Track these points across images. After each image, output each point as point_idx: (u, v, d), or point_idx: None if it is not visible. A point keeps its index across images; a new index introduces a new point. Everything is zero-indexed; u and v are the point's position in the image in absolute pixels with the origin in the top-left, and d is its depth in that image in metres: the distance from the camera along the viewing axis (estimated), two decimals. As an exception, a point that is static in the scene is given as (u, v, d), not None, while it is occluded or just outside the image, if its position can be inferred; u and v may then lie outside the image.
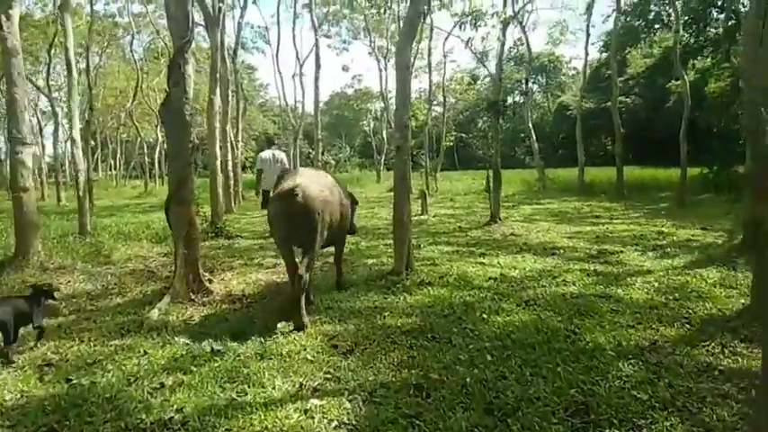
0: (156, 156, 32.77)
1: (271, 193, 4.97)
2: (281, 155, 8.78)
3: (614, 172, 15.75)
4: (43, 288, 3.88)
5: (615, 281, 5.35)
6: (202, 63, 24.29)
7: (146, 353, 3.63)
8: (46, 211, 13.56)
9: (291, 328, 4.03)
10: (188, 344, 3.74)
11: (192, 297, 4.95)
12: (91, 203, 9.14)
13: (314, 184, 4.31)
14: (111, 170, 43.11)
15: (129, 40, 25.73)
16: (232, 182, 14.03)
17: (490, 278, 5.52)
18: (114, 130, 39.75)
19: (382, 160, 33.18)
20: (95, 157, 45.05)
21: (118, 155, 42.50)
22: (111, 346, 3.83)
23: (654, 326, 3.99)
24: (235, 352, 3.58)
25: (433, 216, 11.97)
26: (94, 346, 3.85)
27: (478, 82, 55.81)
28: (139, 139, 30.63)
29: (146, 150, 30.87)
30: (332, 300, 4.84)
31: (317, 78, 14.49)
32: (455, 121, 50.01)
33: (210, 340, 3.77)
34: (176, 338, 3.86)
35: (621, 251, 6.95)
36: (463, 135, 44.17)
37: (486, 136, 60.48)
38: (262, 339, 3.81)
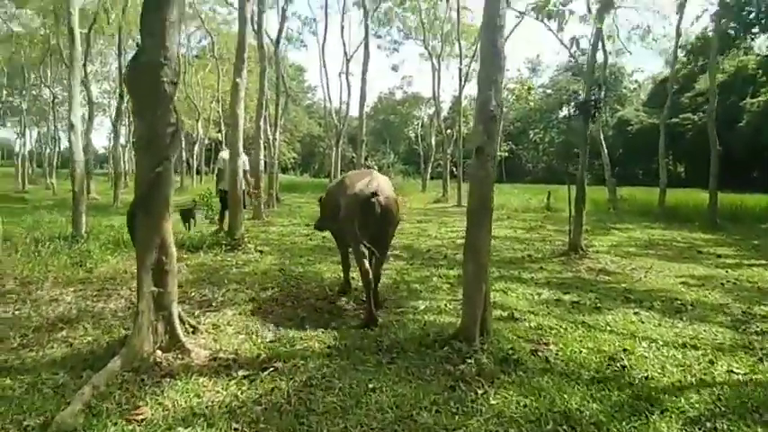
0: (196, 151, 31.97)
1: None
2: (244, 156, 8.63)
3: (690, 195, 13.31)
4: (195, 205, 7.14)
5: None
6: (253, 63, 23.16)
7: None
8: (61, 204, 12.41)
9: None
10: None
11: (158, 360, 3.25)
12: (86, 198, 7.60)
13: (387, 185, 4.61)
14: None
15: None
16: (264, 184, 12.47)
17: (609, 359, 3.58)
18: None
19: (428, 169, 31.23)
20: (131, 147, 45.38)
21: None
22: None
23: None
24: None
25: (493, 238, 10.00)
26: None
27: (532, 92, 53.00)
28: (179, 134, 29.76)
29: (184, 145, 30.03)
30: (365, 396, 3.02)
31: (364, 73, 12.84)
32: (505, 131, 47.64)
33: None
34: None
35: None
36: (514, 146, 41.85)
37: (537, 148, 58.06)
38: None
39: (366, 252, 4.30)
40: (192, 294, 5.08)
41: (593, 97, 7.80)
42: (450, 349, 3.56)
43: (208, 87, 32.58)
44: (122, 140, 32.31)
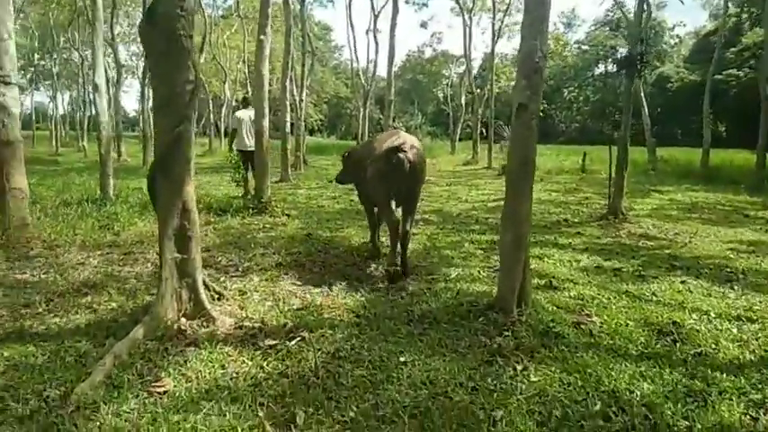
0: (224, 113, 31.88)
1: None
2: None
3: (734, 155, 12.54)
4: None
5: None
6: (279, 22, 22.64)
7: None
8: (92, 167, 12.49)
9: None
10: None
11: (183, 328, 3.15)
12: (115, 160, 7.54)
13: (415, 141, 4.58)
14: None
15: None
16: (290, 146, 12.29)
17: (658, 333, 3.32)
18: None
19: (458, 130, 30.49)
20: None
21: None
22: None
23: None
24: None
25: (526, 201, 9.65)
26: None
27: (567, 47, 50.83)
28: (206, 96, 29.77)
29: (211, 108, 30.00)
30: (396, 362, 2.86)
31: (392, 28, 12.28)
32: (538, 90, 45.99)
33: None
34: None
35: None
36: (546, 105, 40.46)
37: (571, 107, 56.03)
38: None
39: (390, 208, 4.37)
40: (219, 259, 4.99)
41: (638, 52, 7.25)
42: (485, 320, 3.36)
43: (234, 48, 32.18)
44: (151, 103, 32.53)
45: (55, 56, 28.55)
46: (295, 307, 3.69)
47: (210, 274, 4.45)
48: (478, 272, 4.66)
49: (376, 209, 5.05)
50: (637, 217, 7.94)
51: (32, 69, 34.53)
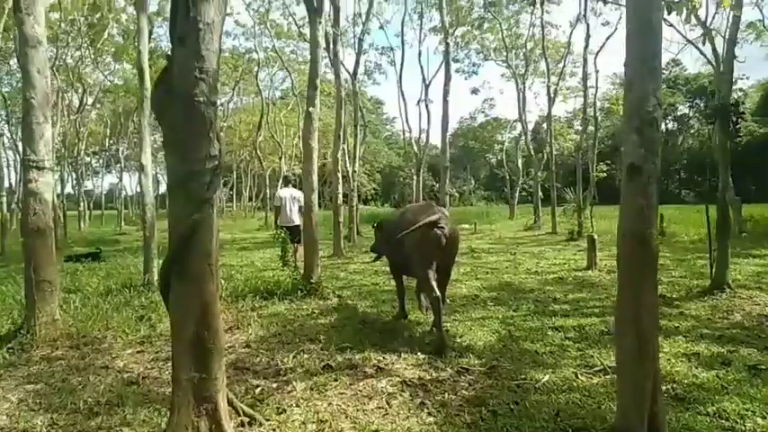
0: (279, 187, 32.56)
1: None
2: (298, 193, 9.15)
3: None
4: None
5: None
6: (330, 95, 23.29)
7: None
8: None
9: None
10: None
11: (199, 471, 2.40)
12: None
13: (447, 215, 4.79)
14: (245, 202, 44.61)
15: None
16: (342, 218, 11.80)
17: None
18: (248, 163, 41.06)
19: (515, 195, 29.50)
20: (230, 188, 47.46)
21: (249, 186, 43.86)
22: None
23: None
24: None
25: (606, 271, 8.53)
26: None
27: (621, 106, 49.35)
28: (263, 171, 30.58)
29: (268, 183, 30.66)
30: None
31: (446, 94, 11.93)
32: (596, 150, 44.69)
33: None
34: None
35: None
36: (609, 165, 38.95)
37: (632, 167, 53.70)
38: None
39: (430, 276, 4.43)
40: (259, 358, 4.27)
41: (732, 101, 6.34)
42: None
43: (291, 126, 33.31)
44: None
45: (123, 139, 30.36)
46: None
47: (246, 380, 3.75)
48: (576, 376, 3.69)
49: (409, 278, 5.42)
50: (745, 289, 6.69)
51: (105, 153, 36.98)
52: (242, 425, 2.84)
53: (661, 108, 2.51)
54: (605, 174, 23.42)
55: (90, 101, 28.72)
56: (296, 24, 21.81)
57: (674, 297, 6.42)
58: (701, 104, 53.29)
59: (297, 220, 9.07)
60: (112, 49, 24.18)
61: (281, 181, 21.56)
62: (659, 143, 2.52)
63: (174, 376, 2.53)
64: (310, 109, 6.92)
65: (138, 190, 7.75)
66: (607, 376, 3.68)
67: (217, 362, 2.60)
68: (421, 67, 20.90)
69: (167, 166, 2.57)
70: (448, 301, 5.73)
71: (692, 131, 55.56)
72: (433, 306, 4.41)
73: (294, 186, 10.17)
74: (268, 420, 3.00)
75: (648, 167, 2.47)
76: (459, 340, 4.68)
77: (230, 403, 2.79)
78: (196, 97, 2.45)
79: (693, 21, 7.24)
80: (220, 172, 2.58)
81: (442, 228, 4.44)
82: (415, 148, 23.21)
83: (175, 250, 2.49)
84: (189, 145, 2.50)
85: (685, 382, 3.56)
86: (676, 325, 5.12)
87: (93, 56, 23.77)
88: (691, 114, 56.23)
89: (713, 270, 6.63)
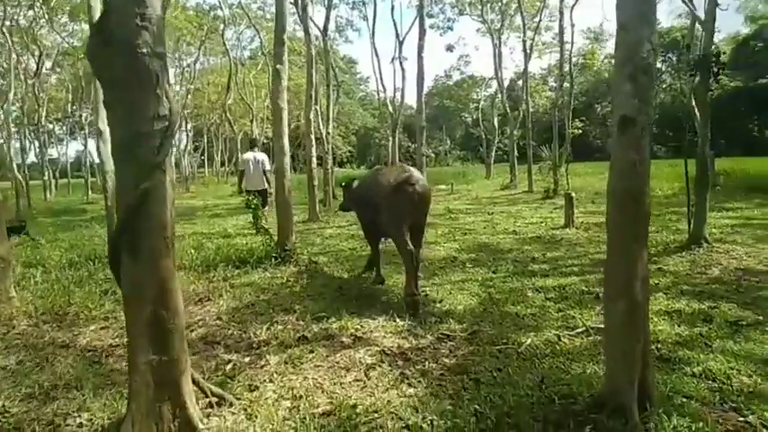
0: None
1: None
2: (262, 156, 9.34)
3: None
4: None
5: None
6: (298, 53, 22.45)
7: None
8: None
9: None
10: None
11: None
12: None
13: (420, 175, 4.77)
14: (217, 167, 43.54)
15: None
16: (317, 182, 11.49)
17: None
18: (218, 126, 39.88)
19: (492, 154, 29.36)
20: (201, 153, 46.16)
21: (221, 151, 42.75)
22: None
23: None
24: None
25: (583, 228, 8.51)
26: None
27: (596, 56, 49.24)
28: (234, 134, 29.75)
29: (239, 146, 29.89)
30: None
31: (420, 50, 11.49)
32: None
33: None
34: None
35: None
36: (584, 121, 39.08)
37: (605, 123, 54.15)
38: None
39: (403, 234, 4.44)
40: (230, 331, 4.07)
41: (714, 52, 6.17)
42: (594, 430, 2.31)
43: (261, 87, 32.28)
44: (182, 146, 32.70)
45: (84, 105, 29.06)
46: (320, 411, 2.72)
47: (217, 355, 3.56)
48: (558, 338, 3.59)
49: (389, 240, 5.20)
50: (722, 243, 6.73)
51: (68, 120, 35.42)
52: (210, 405, 2.66)
53: (656, 54, 2.30)
54: (580, 131, 23.42)
55: (48, 64, 27.28)
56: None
57: (652, 253, 6.40)
58: (674, 58, 53.40)
59: (262, 184, 9.10)
60: (67, 8, 22.82)
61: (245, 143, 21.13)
62: (652, 92, 2.32)
63: (131, 360, 2.31)
64: (278, 66, 6.52)
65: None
66: (590, 338, 3.61)
67: (178, 342, 2.38)
68: (394, 23, 20.33)
69: (109, 128, 2.27)
70: (426, 263, 5.85)
71: (663, 86, 55.92)
72: (406, 261, 4.40)
73: (260, 149, 10.08)
74: (239, 399, 2.83)
75: (642, 119, 2.28)
76: (438, 305, 4.56)
77: (196, 384, 2.60)
78: (139, 48, 2.14)
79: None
80: (171, 134, 2.30)
81: (414, 185, 4.46)
82: (390, 108, 22.72)
83: (124, 223, 2.23)
84: (134, 104, 2.20)
85: (669, 341, 3.50)
86: (656, 282, 5.09)
87: (47, 15, 22.38)
88: (663, 69, 56.44)
89: (691, 225, 6.62)
